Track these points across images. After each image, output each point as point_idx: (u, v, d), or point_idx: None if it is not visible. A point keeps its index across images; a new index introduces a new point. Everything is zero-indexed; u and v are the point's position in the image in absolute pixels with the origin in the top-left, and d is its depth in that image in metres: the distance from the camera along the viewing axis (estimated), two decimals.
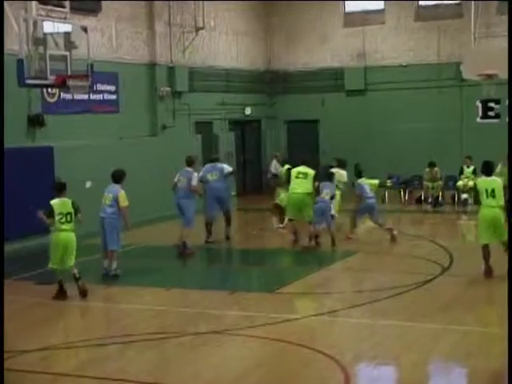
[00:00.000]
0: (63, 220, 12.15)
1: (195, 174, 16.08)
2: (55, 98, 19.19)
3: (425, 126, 25.49)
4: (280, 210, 18.48)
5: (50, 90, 18.56)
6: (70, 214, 12.20)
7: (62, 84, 15.46)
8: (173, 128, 23.30)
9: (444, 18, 25.69)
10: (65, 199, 12.29)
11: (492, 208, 12.79)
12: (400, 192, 23.79)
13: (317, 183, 16.31)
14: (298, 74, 27.75)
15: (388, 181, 22.84)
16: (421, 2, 26.33)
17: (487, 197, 12.79)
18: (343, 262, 15.31)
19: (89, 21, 19.47)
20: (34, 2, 15.26)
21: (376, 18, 26.75)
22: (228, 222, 17.66)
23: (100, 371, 8.83)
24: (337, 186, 17.30)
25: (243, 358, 9.27)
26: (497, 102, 21.89)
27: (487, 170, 13.19)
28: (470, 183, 21.80)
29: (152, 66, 22.86)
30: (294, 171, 16.57)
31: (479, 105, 22.25)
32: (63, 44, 15.63)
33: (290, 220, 16.91)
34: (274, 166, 20.50)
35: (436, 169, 22.72)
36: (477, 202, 13.23)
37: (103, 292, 13.03)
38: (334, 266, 14.93)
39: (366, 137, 26.26)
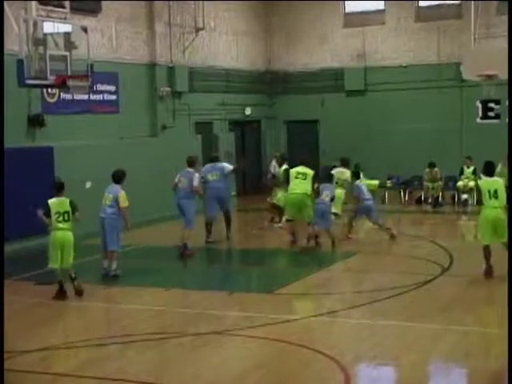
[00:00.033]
0: (60, 219, 12.19)
1: (196, 175, 16.06)
2: (55, 98, 19.20)
3: (425, 127, 25.50)
4: (278, 210, 18.47)
5: (49, 90, 18.56)
6: (67, 212, 12.24)
7: (61, 84, 15.47)
8: (173, 128, 23.31)
9: (444, 18, 25.69)
10: (62, 198, 12.33)
11: (495, 208, 12.80)
12: (400, 192, 23.77)
13: (316, 185, 16.31)
14: (298, 75, 27.75)
15: (388, 181, 22.85)
16: (421, 3, 26.34)
17: (490, 197, 12.81)
18: (343, 262, 15.31)
19: (89, 21, 19.47)
20: (33, 3, 15.27)
21: (376, 19, 26.75)
22: (228, 222, 17.66)
23: (100, 371, 8.84)
24: (341, 184, 17.31)
25: (243, 359, 9.27)
26: (497, 102, 21.91)
27: (489, 170, 13.21)
28: (470, 184, 21.83)
29: (152, 66, 22.87)
30: (293, 171, 16.57)
31: (479, 105, 22.28)
32: (63, 44, 15.64)
33: (288, 221, 16.88)
34: (274, 167, 20.49)
35: (436, 169, 22.71)
36: (479, 202, 13.24)
37: (103, 292, 13.04)
38: (333, 266, 14.92)
39: (365, 137, 26.25)
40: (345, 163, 18.38)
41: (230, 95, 25.94)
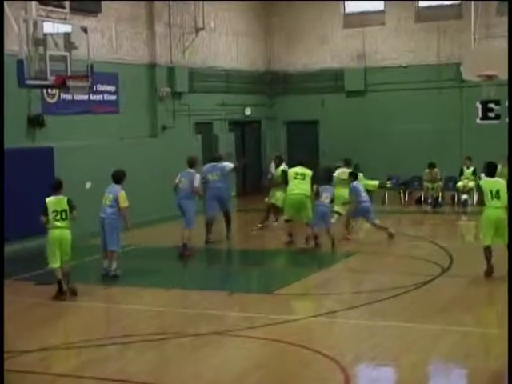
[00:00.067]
0: (58, 217, 12.21)
1: (197, 176, 16.05)
2: (55, 99, 19.20)
3: (425, 127, 25.50)
4: (276, 210, 18.47)
5: (49, 90, 18.56)
6: (64, 211, 12.26)
7: (61, 84, 15.47)
8: (173, 128, 23.31)
9: (444, 18, 25.69)
10: (60, 197, 12.35)
11: (497, 209, 12.82)
12: (400, 193, 23.77)
13: (316, 186, 16.30)
14: (298, 75, 27.75)
15: (388, 182, 22.86)
16: (421, 3, 26.34)
17: (492, 198, 12.83)
18: (343, 262, 15.32)
19: (89, 21, 19.47)
20: (33, 3, 15.27)
21: (376, 19, 26.75)
22: (228, 222, 17.67)
23: (100, 372, 8.84)
24: (344, 184, 17.31)
25: (243, 359, 9.27)
26: (497, 102, 21.93)
27: (490, 170, 13.22)
28: (470, 184, 21.85)
29: (152, 66, 22.86)
30: (292, 172, 16.57)
31: (479, 106, 22.30)
32: (63, 44, 15.63)
33: (286, 221, 16.88)
34: (274, 167, 20.48)
35: (436, 170, 22.72)
36: (481, 202, 13.26)
37: (103, 292, 13.05)
38: (333, 267, 14.91)
39: (365, 137, 26.25)
40: (348, 164, 18.49)
41: (230, 95, 25.93)
